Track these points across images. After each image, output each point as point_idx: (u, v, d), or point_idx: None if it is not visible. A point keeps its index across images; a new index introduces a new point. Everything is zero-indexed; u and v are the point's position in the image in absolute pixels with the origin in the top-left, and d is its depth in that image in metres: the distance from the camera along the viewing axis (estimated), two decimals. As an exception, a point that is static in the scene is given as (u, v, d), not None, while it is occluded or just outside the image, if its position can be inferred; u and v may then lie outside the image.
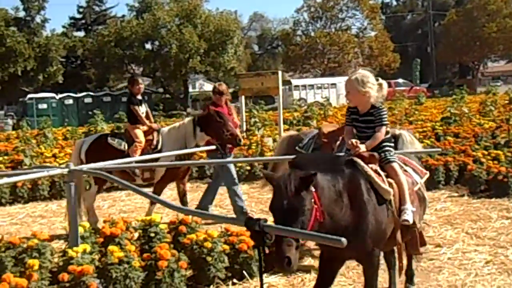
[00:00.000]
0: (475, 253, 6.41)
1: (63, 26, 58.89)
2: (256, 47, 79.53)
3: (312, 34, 60.07)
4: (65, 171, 5.29)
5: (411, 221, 4.24)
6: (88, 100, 44.01)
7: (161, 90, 56.02)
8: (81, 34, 59.50)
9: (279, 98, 18.29)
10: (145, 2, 51.16)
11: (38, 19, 49.05)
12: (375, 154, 4.35)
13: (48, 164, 12.64)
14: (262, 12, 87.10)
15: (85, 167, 5.63)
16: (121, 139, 8.25)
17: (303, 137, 7.62)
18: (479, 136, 13.71)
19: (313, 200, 3.63)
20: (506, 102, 25.68)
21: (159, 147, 8.26)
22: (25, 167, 12.77)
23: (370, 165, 4.22)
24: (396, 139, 5.30)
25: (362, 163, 4.19)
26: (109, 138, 8.41)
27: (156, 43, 49.46)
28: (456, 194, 9.60)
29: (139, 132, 8.27)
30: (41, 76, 47.06)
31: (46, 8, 49.72)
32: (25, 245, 5.64)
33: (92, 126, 19.45)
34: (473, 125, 15.78)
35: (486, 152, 10.95)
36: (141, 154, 8.00)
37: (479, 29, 57.76)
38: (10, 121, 40.30)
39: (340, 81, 47.77)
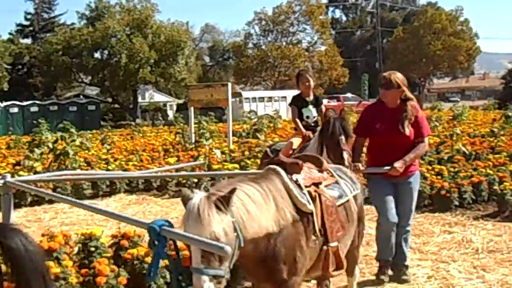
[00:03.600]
0: (418, 268, 6.47)
1: (10, 33, 57.49)
2: (207, 59, 79.46)
3: (263, 47, 60.43)
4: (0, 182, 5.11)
5: None
6: (34, 108, 43.01)
7: (110, 100, 55.25)
8: (28, 41, 58.21)
9: (228, 109, 18.36)
10: (98, 11, 50.47)
11: (-17, 24, 47.79)
12: None
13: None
14: (213, 24, 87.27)
15: (21, 179, 5.45)
16: (277, 149, 7.44)
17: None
18: (424, 152, 13.92)
19: None
20: (450, 118, 26.35)
21: None
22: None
23: None
24: None
25: None
26: (267, 148, 8.06)
27: (106, 52, 48.82)
28: (400, 209, 9.70)
29: (294, 140, 7.26)
30: (-15, 83, 45.75)
31: (-8, 14, 48.57)
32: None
33: (37, 136, 18.96)
34: (418, 140, 16.01)
35: (430, 167, 11.13)
36: None
37: (425, 47, 59.26)
38: (-49, 129, 39.02)
39: (291, 94, 48.11)
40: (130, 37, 46.97)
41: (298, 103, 7.39)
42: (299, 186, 3.89)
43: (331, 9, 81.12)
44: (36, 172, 12.96)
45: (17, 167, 13.60)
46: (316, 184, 4.08)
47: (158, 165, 13.76)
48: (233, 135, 19.22)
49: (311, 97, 7.42)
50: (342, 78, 60.49)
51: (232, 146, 16.98)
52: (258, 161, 12.90)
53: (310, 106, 7.38)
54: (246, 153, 15.11)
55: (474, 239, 7.64)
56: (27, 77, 54.91)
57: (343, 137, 6.04)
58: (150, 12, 49.58)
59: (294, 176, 3.91)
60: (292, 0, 59.83)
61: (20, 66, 54.80)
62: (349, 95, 51.54)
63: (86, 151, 17.52)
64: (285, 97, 46.97)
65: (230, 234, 3.25)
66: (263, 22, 60.84)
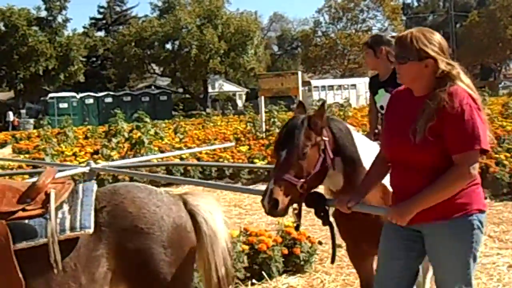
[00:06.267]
0: (498, 256, 6.29)
1: (84, 27, 59.42)
2: (275, 48, 79.47)
3: (333, 35, 59.92)
4: (86, 169, 5.32)
5: None
6: (108, 99, 44.41)
7: (180, 90, 56.30)
8: (102, 34, 59.99)
9: (298, 98, 18.33)
10: (169, 2, 51.40)
11: (59, 18, 49.51)
12: None
13: (68, 163, 12.74)
14: (282, 13, 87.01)
15: (106, 164, 5.65)
16: None
17: None
18: (502, 138, 13.52)
19: None
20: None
21: None
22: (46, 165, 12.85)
23: None
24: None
25: None
26: None
27: (177, 43, 49.69)
28: (478, 197, 9.43)
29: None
30: (62, 76, 47.48)
31: (68, 8, 50.23)
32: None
33: (113, 126, 19.57)
34: (495, 127, 15.53)
35: (508, 155, 10.78)
36: None
37: (501, 31, 57.26)
38: (31, 120, 40.76)
39: (360, 82, 47.61)
40: (201, 28, 47.61)
41: (372, 88, 4.90)
42: None
43: (402, -6, 79.47)
44: (113, 161, 13.37)
45: (95, 156, 14.08)
46: None
47: (230, 153, 13.93)
48: (303, 123, 19.18)
49: (387, 76, 4.53)
50: (414, 64, 59.33)
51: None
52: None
53: (382, 91, 4.60)
54: (317, 141, 15.06)
55: (557, 228, 7.37)
56: (101, 69, 56.69)
57: (283, 152, 3.17)
58: (220, 3, 50.07)
59: None
60: (362, -14, 59.08)
61: (94, 59, 56.65)
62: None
63: (160, 140, 17.93)
64: (354, 85, 46.53)
65: None
66: (333, 10, 60.30)
